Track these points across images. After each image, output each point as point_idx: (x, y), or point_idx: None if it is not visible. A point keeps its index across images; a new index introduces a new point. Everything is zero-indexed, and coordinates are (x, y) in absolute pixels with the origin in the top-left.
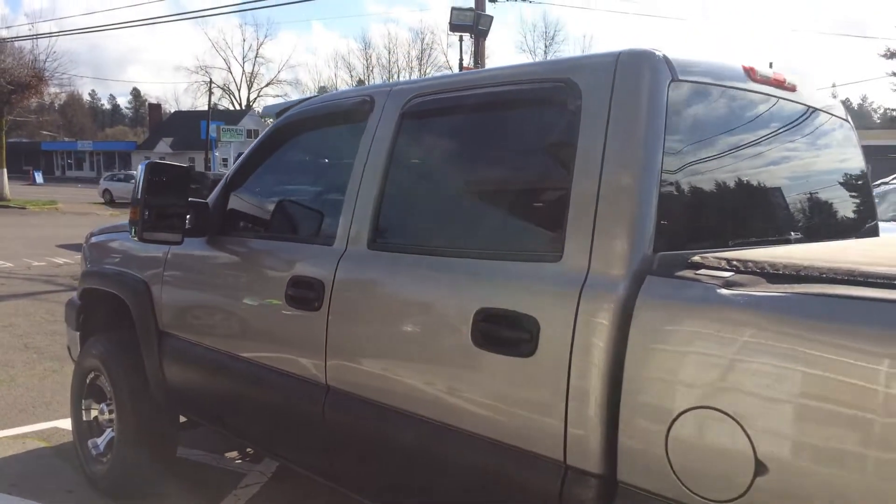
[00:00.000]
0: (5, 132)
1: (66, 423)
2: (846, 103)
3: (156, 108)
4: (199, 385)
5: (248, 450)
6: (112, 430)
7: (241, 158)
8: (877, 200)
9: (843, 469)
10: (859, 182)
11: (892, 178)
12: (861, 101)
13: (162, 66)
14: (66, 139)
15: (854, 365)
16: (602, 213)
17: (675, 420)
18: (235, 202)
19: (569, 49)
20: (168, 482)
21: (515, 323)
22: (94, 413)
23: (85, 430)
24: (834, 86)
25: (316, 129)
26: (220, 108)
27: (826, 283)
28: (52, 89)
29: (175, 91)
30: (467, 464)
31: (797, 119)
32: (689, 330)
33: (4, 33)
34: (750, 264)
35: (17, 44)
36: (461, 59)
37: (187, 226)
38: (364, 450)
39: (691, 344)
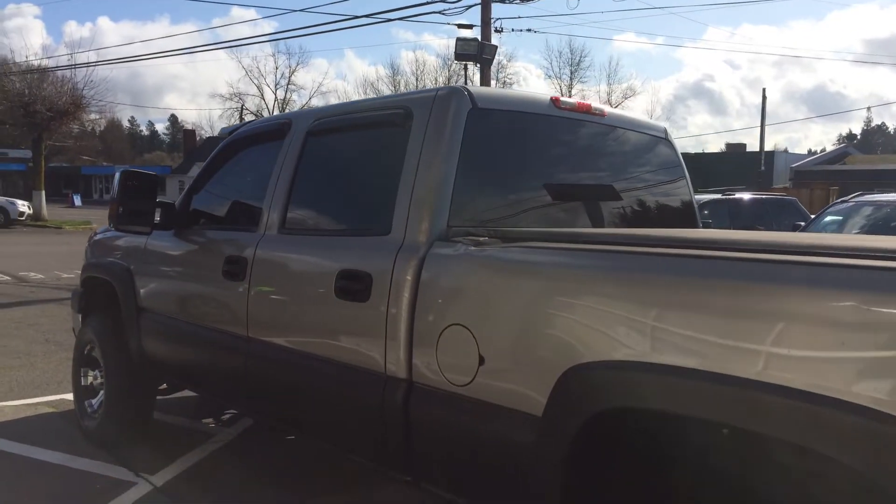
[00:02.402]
0: (45, 157)
1: (72, 396)
2: (882, 127)
3: (190, 134)
4: (168, 348)
5: (222, 416)
6: (102, 393)
7: (202, 168)
8: (840, 219)
9: (525, 357)
10: (673, 184)
11: (852, 197)
12: None
13: (198, 93)
14: (105, 164)
15: (527, 289)
16: (415, 202)
17: (440, 335)
18: (196, 202)
19: (594, 75)
20: (146, 436)
21: (358, 278)
22: (90, 378)
23: (82, 392)
24: (869, 109)
25: (253, 145)
26: None
27: (538, 241)
28: (92, 116)
29: (210, 117)
30: (332, 381)
31: (603, 137)
32: (449, 273)
33: (46, 63)
34: (498, 233)
35: (58, 73)
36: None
37: (157, 221)
38: (272, 383)
39: (449, 282)
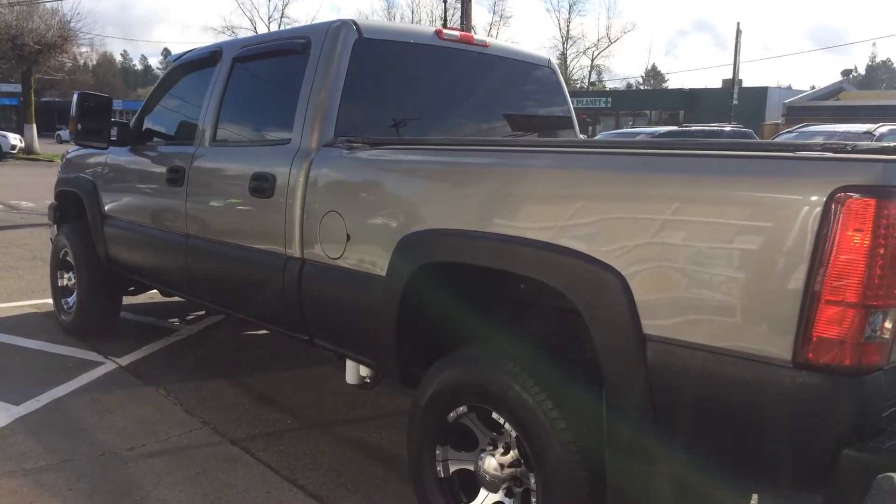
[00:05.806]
0: (36, 91)
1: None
2: (887, 63)
3: None
4: (128, 249)
5: (187, 317)
6: (76, 292)
7: (151, 90)
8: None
9: (375, 232)
10: (555, 110)
11: (797, 128)
12: None
13: (189, 25)
14: None
15: (378, 179)
16: (309, 116)
17: (322, 219)
18: (147, 122)
19: (592, 8)
20: (116, 329)
21: (265, 179)
22: (65, 280)
23: (59, 292)
24: (874, 44)
25: (192, 71)
26: None
27: (395, 145)
28: (82, 49)
29: None
30: (249, 265)
31: (486, 66)
32: (328, 171)
33: None
34: (368, 140)
35: (46, 5)
36: (445, 19)
37: (114, 138)
38: (206, 271)
39: (328, 178)
